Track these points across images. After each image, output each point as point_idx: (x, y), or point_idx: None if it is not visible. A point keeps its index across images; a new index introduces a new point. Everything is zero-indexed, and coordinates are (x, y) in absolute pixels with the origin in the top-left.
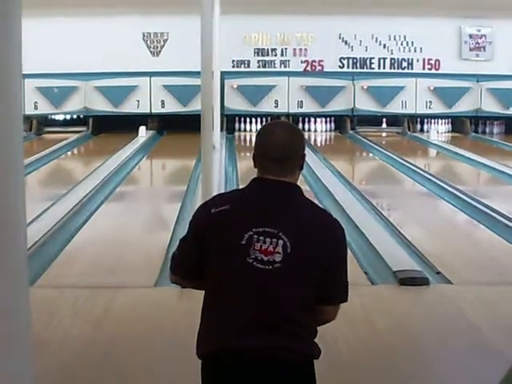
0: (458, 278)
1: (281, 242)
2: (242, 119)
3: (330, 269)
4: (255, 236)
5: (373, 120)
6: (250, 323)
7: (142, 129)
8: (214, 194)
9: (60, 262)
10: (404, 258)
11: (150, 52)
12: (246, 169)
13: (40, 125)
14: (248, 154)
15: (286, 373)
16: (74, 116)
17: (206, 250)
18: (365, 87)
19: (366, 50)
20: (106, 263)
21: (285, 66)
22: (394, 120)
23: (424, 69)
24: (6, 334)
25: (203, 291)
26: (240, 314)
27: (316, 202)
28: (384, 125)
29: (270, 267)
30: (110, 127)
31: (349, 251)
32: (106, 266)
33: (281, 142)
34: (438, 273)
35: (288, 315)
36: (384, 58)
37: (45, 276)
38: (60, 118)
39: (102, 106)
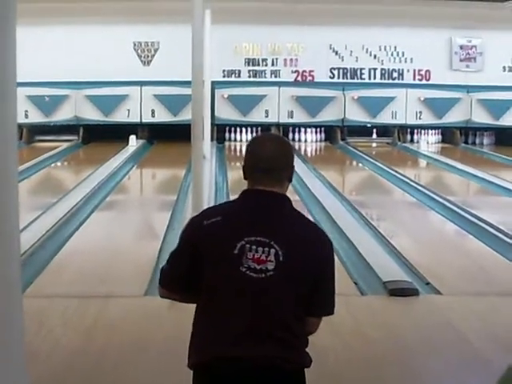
0: (448, 289)
1: (273, 250)
2: (233, 129)
3: (320, 282)
4: (247, 245)
5: (363, 130)
6: (244, 332)
7: (133, 138)
8: (205, 203)
9: (50, 272)
10: (393, 268)
11: (141, 61)
12: (237, 179)
13: (30, 133)
14: (238, 164)
15: (279, 381)
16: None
17: (198, 261)
18: (355, 97)
19: (357, 61)
20: (95, 272)
21: (275, 76)
22: (384, 130)
23: (414, 79)
24: (1, 341)
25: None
26: (234, 322)
27: (305, 212)
28: (374, 135)
29: (263, 275)
30: (101, 136)
31: (338, 261)
32: (96, 275)
33: (270, 154)
34: (428, 283)
35: (282, 323)
36: (374, 69)
37: (34, 285)
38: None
39: (92, 114)
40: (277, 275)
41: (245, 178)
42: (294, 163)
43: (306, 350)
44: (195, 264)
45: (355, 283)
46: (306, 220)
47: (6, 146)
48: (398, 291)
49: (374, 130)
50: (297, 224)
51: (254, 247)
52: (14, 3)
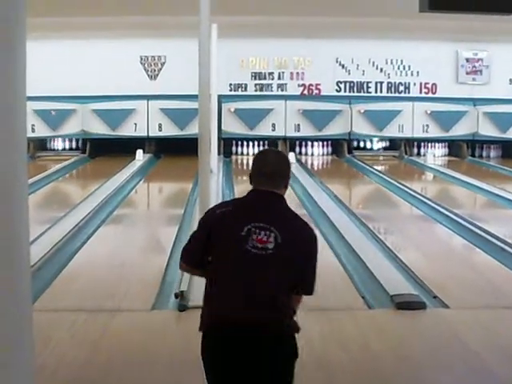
0: (455, 302)
1: (273, 234)
2: (239, 143)
3: (306, 270)
4: (253, 229)
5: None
6: (244, 299)
7: (139, 152)
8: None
9: (57, 285)
10: (401, 282)
11: (148, 75)
12: (243, 192)
13: (37, 147)
14: (245, 178)
15: (273, 340)
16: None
17: (211, 241)
18: (362, 111)
19: (363, 74)
20: (103, 286)
21: (282, 90)
22: (391, 144)
23: (421, 93)
24: (11, 355)
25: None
26: (236, 291)
27: (313, 225)
28: (381, 148)
29: (264, 252)
30: (108, 150)
31: (346, 275)
32: (103, 289)
33: (272, 162)
34: (435, 297)
35: (277, 293)
36: (381, 82)
37: (42, 299)
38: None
39: (99, 129)
40: (275, 253)
41: (250, 183)
42: (291, 174)
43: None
44: (208, 244)
45: (362, 297)
46: (299, 217)
47: (16, 159)
48: (406, 305)
49: (381, 144)
50: (292, 219)
51: (257, 231)
52: (23, 18)
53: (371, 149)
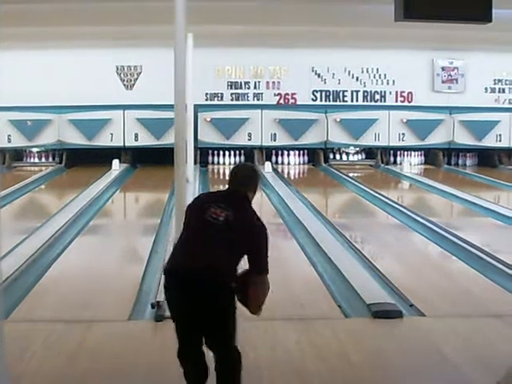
0: (432, 311)
1: (226, 212)
2: (216, 152)
3: (252, 249)
4: (213, 207)
5: (346, 152)
6: (198, 252)
7: (116, 162)
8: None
9: (33, 296)
10: (377, 290)
11: (124, 85)
12: None
13: (13, 158)
14: (222, 187)
15: (212, 285)
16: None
17: (188, 216)
18: (338, 120)
19: (339, 83)
20: (79, 297)
21: (258, 99)
22: (368, 152)
23: (397, 101)
24: None
25: None
26: (194, 246)
27: (289, 235)
28: (357, 157)
29: (216, 222)
30: (84, 160)
31: (322, 284)
32: (80, 299)
33: (244, 170)
34: (412, 305)
35: (220, 251)
36: (357, 91)
37: (18, 310)
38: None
39: (75, 139)
40: (224, 224)
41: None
42: (257, 183)
43: (229, 273)
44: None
45: (339, 306)
46: (253, 212)
47: None
48: (382, 313)
49: (357, 152)
50: (246, 210)
51: (215, 208)
52: None
53: (347, 159)
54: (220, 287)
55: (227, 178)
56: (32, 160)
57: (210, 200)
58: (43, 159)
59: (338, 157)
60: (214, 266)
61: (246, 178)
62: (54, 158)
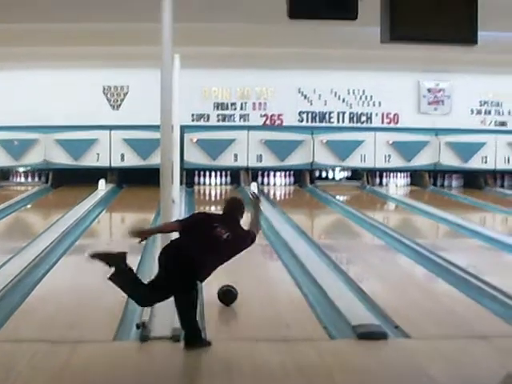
0: (417, 332)
1: (228, 233)
2: (202, 173)
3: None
4: (219, 227)
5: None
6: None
7: (102, 182)
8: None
9: (19, 316)
10: (363, 312)
11: (110, 105)
12: None
13: None
14: (207, 208)
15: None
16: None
17: (195, 225)
18: (324, 141)
19: (325, 104)
20: (65, 317)
21: (244, 120)
22: (354, 174)
23: (383, 123)
24: None
25: None
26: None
27: (275, 256)
28: (343, 178)
29: (219, 238)
30: (70, 180)
31: (307, 305)
32: (66, 319)
33: (227, 204)
34: (397, 327)
35: (210, 259)
36: (343, 112)
37: (3, 330)
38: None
39: (61, 159)
40: (224, 243)
41: None
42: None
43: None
44: (195, 225)
45: (324, 327)
46: (248, 234)
47: None
48: (367, 335)
49: (343, 174)
50: (242, 230)
51: (221, 229)
52: None
53: (333, 178)
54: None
55: (213, 199)
56: (18, 179)
57: (216, 221)
58: (29, 179)
59: (323, 174)
60: (201, 263)
61: (231, 210)
62: (40, 178)
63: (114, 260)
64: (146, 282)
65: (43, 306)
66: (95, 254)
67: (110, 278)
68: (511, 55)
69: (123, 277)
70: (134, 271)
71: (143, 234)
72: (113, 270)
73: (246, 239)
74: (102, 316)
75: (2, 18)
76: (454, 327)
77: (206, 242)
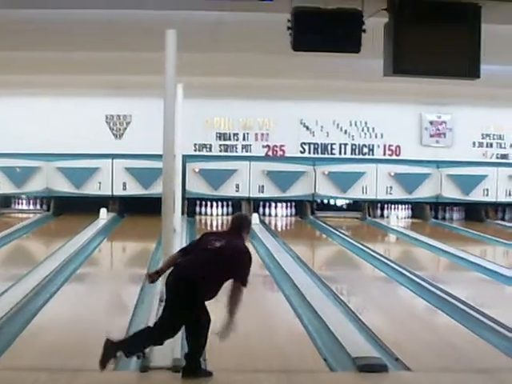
0: (417, 365)
1: (220, 243)
2: (203, 203)
3: (239, 269)
4: (213, 240)
5: (334, 208)
6: (185, 268)
7: (103, 211)
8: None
9: (19, 344)
10: (363, 344)
11: (113, 134)
12: None
13: (1, 204)
14: None
15: (188, 286)
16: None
17: (196, 245)
18: (326, 172)
19: (327, 136)
20: (65, 345)
21: (246, 151)
22: (355, 205)
23: (385, 155)
24: None
25: None
26: (186, 264)
27: (275, 287)
28: (343, 205)
29: (212, 248)
30: (72, 208)
31: (307, 336)
32: (66, 348)
33: (233, 221)
34: (397, 359)
35: (201, 271)
36: (345, 144)
37: (4, 357)
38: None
39: (63, 186)
40: (216, 251)
41: None
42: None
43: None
44: (196, 245)
45: (324, 359)
46: (243, 245)
47: None
48: (368, 367)
49: (344, 205)
50: (238, 244)
51: (215, 240)
52: None
53: (334, 205)
54: (197, 290)
55: (214, 229)
56: (20, 207)
57: (211, 236)
58: (31, 206)
59: (325, 200)
60: (193, 278)
61: (236, 226)
62: (41, 206)
63: (110, 351)
64: (152, 324)
65: (44, 334)
66: (101, 365)
67: (126, 356)
68: None
69: (128, 346)
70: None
71: (154, 276)
72: (119, 354)
73: (242, 249)
74: (102, 346)
75: (7, 46)
76: (454, 360)
77: (201, 257)
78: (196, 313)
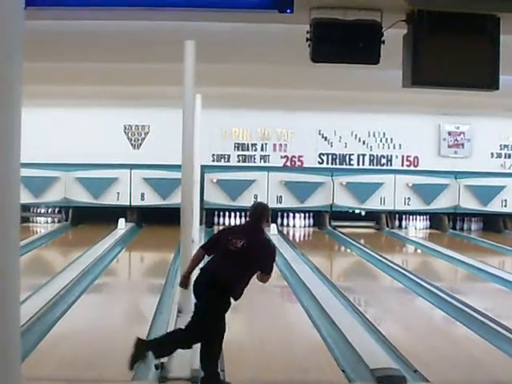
0: (435, 376)
1: (242, 241)
2: (221, 213)
3: (264, 262)
4: (233, 238)
5: (351, 216)
6: (216, 270)
7: (122, 221)
8: (192, 287)
9: (37, 354)
10: (381, 355)
11: (131, 144)
12: None
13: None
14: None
15: (219, 286)
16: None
17: (219, 243)
18: (344, 183)
19: (346, 147)
20: (83, 356)
21: (264, 161)
22: (373, 216)
23: (403, 165)
24: None
25: None
26: (219, 265)
27: (293, 298)
28: (362, 221)
29: (235, 248)
30: (90, 218)
31: (326, 348)
32: (84, 358)
33: (252, 209)
34: (416, 371)
35: (231, 272)
36: (363, 155)
37: (22, 368)
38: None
39: (82, 197)
40: (240, 251)
41: None
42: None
43: (237, 290)
44: (218, 242)
45: (343, 370)
46: (264, 237)
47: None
48: (386, 379)
49: (363, 216)
50: (258, 236)
51: (236, 239)
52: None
53: (353, 212)
54: (228, 291)
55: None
56: (38, 217)
57: (231, 233)
58: (49, 216)
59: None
60: (226, 280)
61: (254, 214)
62: (60, 216)
63: (140, 351)
64: (183, 327)
65: (62, 345)
66: (130, 365)
67: (155, 357)
68: None
69: (157, 346)
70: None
71: (185, 281)
72: (150, 353)
73: (265, 244)
74: (120, 355)
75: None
76: (472, 371)
77: (225, 257)
78: (223, 316)
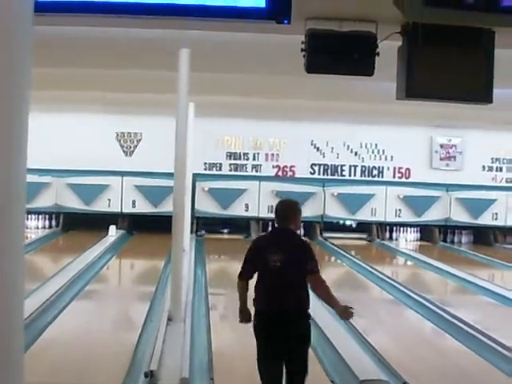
0: None
1: (281, 255)
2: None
3: (309, 262)
4: (271, 253)
5: (342, 227)
6: (275, 295)
7: (112, 228)
8: (183, 295)
9: (26, 360)
10: (370, 366)
11: (123, 152)
12: (215, 271)
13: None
14: (217, 257)
15: (294, 316)
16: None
17: (255, 263)
18: (335, 194)
19: (338, 157)
20: (72, 363)
21: (256, 171)
22: (364, 227)
23: (394, 177)
24: None
25: None
26: (275, 292)
27: None
28: (353, 232)
29: (277, 267)
30: (81, 225)
31: (315, 359)
32: (73, 365)
33: (281, 209)
34: (405, 383)
35: (292, 289)
36: (355, 166)
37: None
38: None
39: (73, 203)
40: (283, 266)
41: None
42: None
43: (307, 299)
44: (254, 263)
45: (332, 382)
46: (299, 238)
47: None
48: None
49: (353, 227)
50: (296, 241)
51: (274, 254)
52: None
53: (343, 224)
54: (303, 317)
55: (223, 248)
56: (28, 222)
57: (268, 247)
58: (40, 222)
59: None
60: (298, 304)
61: (285, 215)
62: (50, 221)
63: None
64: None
65: (51, 352)
66: None
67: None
68: None
69: None
70: None
71: (246, 316)
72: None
73: (302, 248)
74: (110, 363)
75: None
76: (460, 382)
77: (276, 281)
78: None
